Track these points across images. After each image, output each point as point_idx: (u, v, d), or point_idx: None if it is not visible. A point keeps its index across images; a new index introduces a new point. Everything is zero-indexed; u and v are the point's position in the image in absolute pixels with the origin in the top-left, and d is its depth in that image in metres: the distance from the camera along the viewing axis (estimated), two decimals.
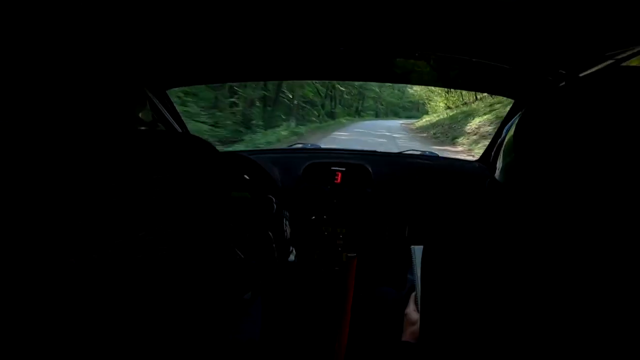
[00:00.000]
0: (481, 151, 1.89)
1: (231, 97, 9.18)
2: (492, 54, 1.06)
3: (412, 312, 0.96)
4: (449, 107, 16.34)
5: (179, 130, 1.63)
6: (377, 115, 25.20)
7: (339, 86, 16.95)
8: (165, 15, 0.95)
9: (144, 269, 0.39)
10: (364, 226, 1.62)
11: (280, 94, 11.45)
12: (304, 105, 13.90)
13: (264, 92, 10.53)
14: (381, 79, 1.84)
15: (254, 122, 9.64)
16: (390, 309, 1.18)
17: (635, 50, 0.78)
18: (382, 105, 27.54)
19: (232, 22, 1.03)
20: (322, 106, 16.06)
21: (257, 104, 10.26)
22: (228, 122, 8.58)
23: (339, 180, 1.61)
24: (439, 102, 18.12)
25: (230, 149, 3.84)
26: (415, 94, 23.61)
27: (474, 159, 1.88)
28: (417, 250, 0.96)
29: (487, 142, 2.05)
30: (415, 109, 27.44)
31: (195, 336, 0.46)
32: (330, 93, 17.37)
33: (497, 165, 0.63)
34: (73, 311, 0.35)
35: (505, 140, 0.62)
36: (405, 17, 0.93)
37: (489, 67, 1.47)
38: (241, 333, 1.09)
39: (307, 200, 1.60)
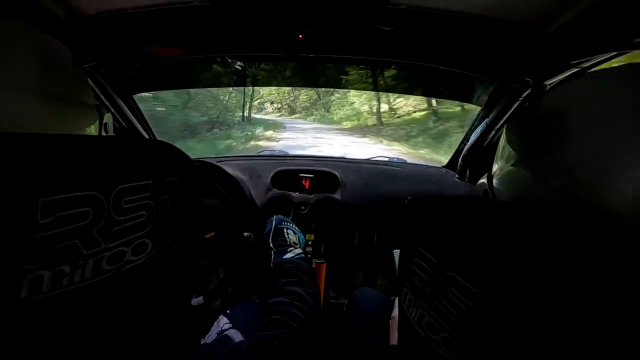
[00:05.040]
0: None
1: None
2: (459, 62, 1.07)
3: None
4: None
5: (146, 135, 1.57)
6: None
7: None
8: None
9: (114, 281, 0.37)
10: (332, 232, 1.60)
11: None
12: None
13: None
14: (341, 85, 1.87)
15: None
16: (372, 314, 1.17)
17: (599, 60, 0.80)
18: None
19: (198, 29, 1.00)
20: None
21: None
22: None
23: (307, 187, 1.58)
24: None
25: None
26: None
27: (442, 164, 1.91)
28: (398, 254, 0.95)
29: None
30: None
31: (163, 348, 0.44)
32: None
33: (495, 171, 0.63)
34: (59, 325, 0.34)
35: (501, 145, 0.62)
36: (377, 26, 0.93)
37: (456, 75, 1.51)
38: (209, 343, 1.04)
39: (275, 208, 1.56)
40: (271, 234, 0.97)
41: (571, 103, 0.49)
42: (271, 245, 0.93)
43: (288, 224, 1.02)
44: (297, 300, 0.69)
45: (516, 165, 0.55)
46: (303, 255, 0.90)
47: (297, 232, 1.02)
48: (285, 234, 0.96)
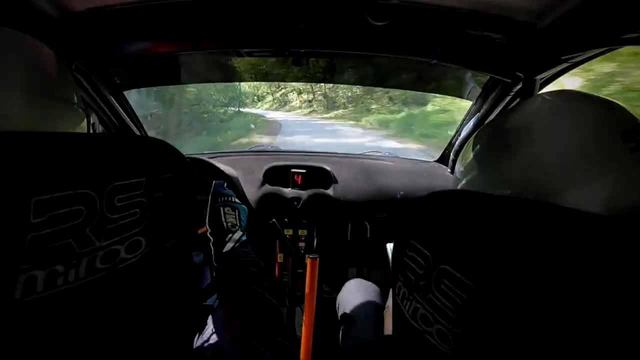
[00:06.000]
0: None
1: None
2: (451, 57, 1.07)
3: None
4: None
5: (137, 132, 1.55)
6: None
7: None
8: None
9: (108, 280, 0.36)
10: (325, 228, 1.61)
11: None
12: None
13: None
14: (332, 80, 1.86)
15: None
16: (365, 305, 1.18)
17: (590, 55, 0.81)
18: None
19: (188, 24, 0.99)
20: None
21: None
22: None
23: (299, 183, 1.58)
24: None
25: None
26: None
27: (434, 159, 1.92)
28: (391, 248, 0.96)
29: None
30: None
31: (156, 348, 0.43)
32: None
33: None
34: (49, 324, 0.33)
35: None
36: (368, 21, 0.92)
37: (447, 70, 1.51)
38: (206, 343, 1.04)
39: (268, 204, 1.56)
40: (207, 218, 0.85)
41: (523, 123, 0.59)
42: (208, 234, 0.82)
43: (225, 198, 0.89)
44: (256, 299, 0.68)
45: (476, 171, 0.66)
46: (244, 238, 0.81)
47: (236, 205, 0.88)
48: (222, 214, 0.84)
